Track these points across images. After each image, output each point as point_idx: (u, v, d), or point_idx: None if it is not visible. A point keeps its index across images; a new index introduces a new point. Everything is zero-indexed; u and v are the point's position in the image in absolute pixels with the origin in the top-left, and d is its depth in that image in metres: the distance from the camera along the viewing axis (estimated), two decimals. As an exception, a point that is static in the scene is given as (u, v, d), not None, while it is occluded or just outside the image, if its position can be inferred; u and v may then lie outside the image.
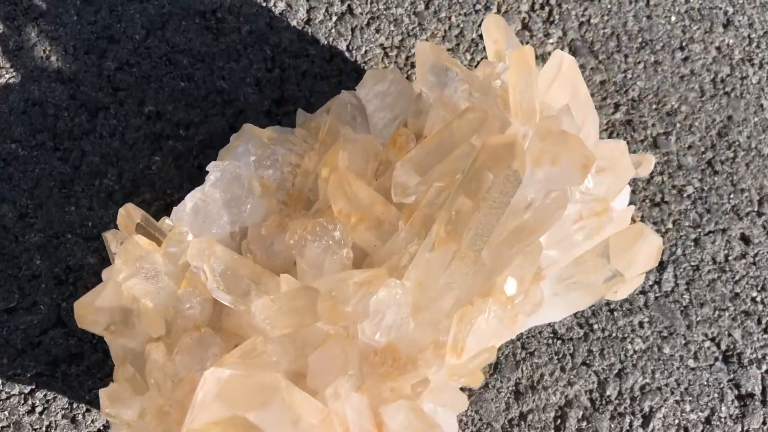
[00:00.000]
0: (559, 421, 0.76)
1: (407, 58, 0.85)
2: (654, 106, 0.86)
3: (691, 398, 0.78)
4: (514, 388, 0.77)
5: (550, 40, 0.88)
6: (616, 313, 0.79)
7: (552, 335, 0.78)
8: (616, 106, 0.86)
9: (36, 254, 0.78)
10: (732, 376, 0.79)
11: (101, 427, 0.75)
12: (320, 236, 0.62)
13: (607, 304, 0.80)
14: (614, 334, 0.79)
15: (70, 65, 0.83)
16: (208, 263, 0.59)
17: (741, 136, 0.86)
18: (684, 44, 0.89)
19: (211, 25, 0.85)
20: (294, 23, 0.85)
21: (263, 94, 0.83)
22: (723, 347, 0.80)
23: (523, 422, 0.76)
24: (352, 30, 0.86)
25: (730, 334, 0.80)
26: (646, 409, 0.77)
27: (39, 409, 0.75)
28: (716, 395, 0.78)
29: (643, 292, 0.80)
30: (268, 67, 0.84)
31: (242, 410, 0.54)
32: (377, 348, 0.62)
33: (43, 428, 0.74)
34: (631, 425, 0.77)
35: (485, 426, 0.76)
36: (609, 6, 0.89)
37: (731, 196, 0.84)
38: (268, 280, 0.60)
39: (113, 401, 0.61)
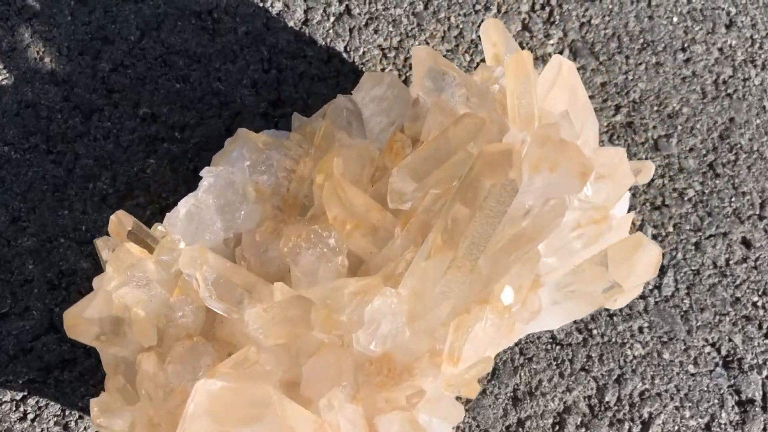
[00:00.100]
0: (557, 427, 0.76)
1: (405, 59, 0.85)
2: (655, 108, 0.85)
3: (690, 404, 0.77)
4: (512, 394, 0.77)
5: (551, 41, 0.87)
6: (615, 318, 0.79)
7: (551, 340, 0.78)
8: (617, 108, 0.85)
9: (29, 259, 0.77)
10: (732, 381, 0.78)
11: (94, 434, 0.75)
12: (315, 244, 0.62)
13: (607, 309, 0.79)
14: (613, 340, 0.78)
15: (64, 66, 0.82)
16: (200, 271, 0.58)
17: (743, 139, 0.85)
18: (686, 45, 0.88)
19: (207, 26, 0.84)
20: (291, 24, 0.85)
21: (260, 95, 0.83)
22: (723, 353, 0.79)
23: (521, 429, 0.76)
24: (350, 31, 0.86)
25: (730, 340, 0.79)
26: (646, 416, 0.77)
27: (31, 416, 0.74)
28: (716, 401, 0.78)
29: (642, 297, 0.80)
30: (265, 68, 0.84)
31: (234, 426, 0.54)
32: (372, 357, 0.61)
33: (36, 434, 0.74)
34: (629, 432, 0.77)
35: (482, 433, 0.76)
36: (610, 6, 0.88)
37: (732, 199, 0.83)
38: (261, 288, 0.60)
39: (104, 411, 0.60)
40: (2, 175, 0.79)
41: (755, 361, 0.79)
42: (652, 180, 0.83)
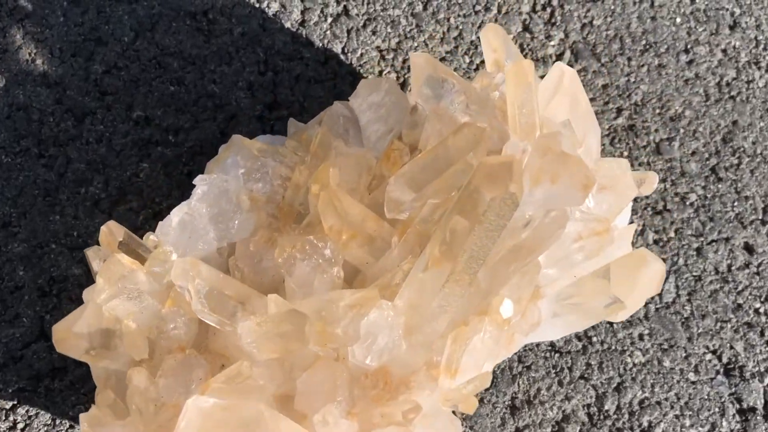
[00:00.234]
0: (556, 437, 0.76)
1: (404, 61, 0.84)
2: (657, 111, 0.84)
3: (691, 413, 0.77)
4: (510, 402, 0.77)
5: (552, 43, 0.86)
6: (615, 325, 0.79)
7: (549, 348, 0.78)
8: (619, 110, 0.84)
9: (19, 265, 0.77)
10: (733, 389, 0.78)
11: (86, 444, 0.74)
12: (310, 254, 0.61)
13: (607, 317, 0.79)
14: (613, 347, 0.78)
15: (56, 68, 0.82)
16: (192, 284, 0.58)
17: (746, 142, 0.84)
18: (689, 47, 0.87)
19: (202, 27, 0.83)
20: (288, 25, 0.84)
21: (255, 98, 0.82)
22: (725, 360, 0.79)
23: (519, 438, 0.76)
24: (348, 32, 0.85)
25: (732, 347, 0.79)
26: (645, 424, 0.77)
27: (21, 425, 0.74)
28: (717, 410, 0.77)
29: (643, 304, 0.79)
30: (261, 70, 0.83)
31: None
32: (368, 370, 0.61)
33: (26, 444, 0.74)
34: (629, 442, 0.77)
35: (480, 443, 0.76)
36: (612, 7, 0.87)
37: (735, 203, 0.83)
38: (255, 300, 0.59)
39: (93, 426, 0.60)
40: (-8, 180, 0.79)
41: (757, 368, 0.79)
42: (654, 184, 0.82)
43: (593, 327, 0.78)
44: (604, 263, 0.64)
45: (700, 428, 0.77)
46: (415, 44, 0.85)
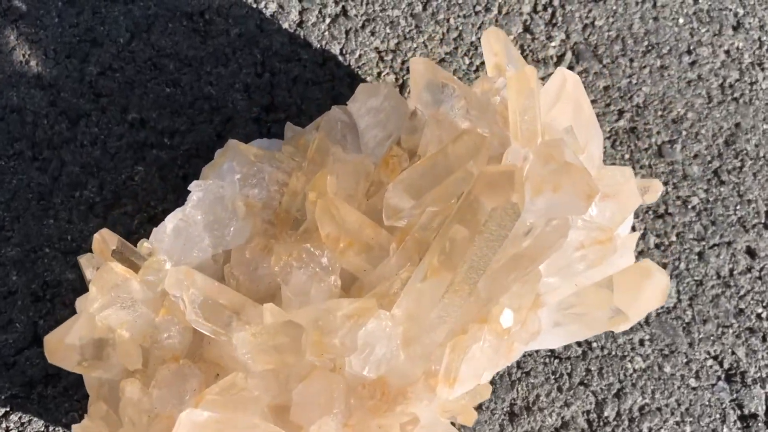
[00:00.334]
0: (555, 444, 0.76)
1: (403, 62, 0.83)
2: (659, 113, 0.84)
3: (691, 419, 0.77)
4: (508, 409, 0.76)
5: (553, 44, 0.85)
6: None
7: (549, 354, 0.78)
8: (620, 112, 0.84)
9: (12, 269, 0.76)
10: (735, 396, 0.78)
11: (79, 451, 0.74)
12: (306, 263, 0.61)
13: (607, 322, 0.78)
14: (613, 353, 0.78)
15: (51, 70, 0.81)
16: (187, 294, 0.58)
17: (749, 145, 0.84)
18: (692, 48, 0.86)
19: (199, 28, 0.83)
20: (285, 26, 0.83)
21: (252, 100, 0.81)
22: (726, 366, 0.78)
23: (518, 445, 0.75)
24: (346, 33, 0.84)
25: (733, 352, 0.79)
26: (645, 431, 0.76)
27: (14, 432, 0.74)
28: (718, 416, 0.77)
29: (644, 309, 0.78)
30: (258, 71, 0.82)
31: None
32: (366, 381, 0.60)
33: (19, 451, 0.74)
34: (629, 449, 0.76)
35: (479, 451, 0.75)
36: (614, 8, 0.86)
37: (737, 207, 0.82)
38: (250, 310, 0.59)
39: None
40: (-15, 183, 0.79)
41: (759, 374, 0.78)
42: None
43: (593, 332, 0.78)
44: (607, 272, 0.64)
45: (700, 435, 0.77)
46: (415, 45, 0.84)
